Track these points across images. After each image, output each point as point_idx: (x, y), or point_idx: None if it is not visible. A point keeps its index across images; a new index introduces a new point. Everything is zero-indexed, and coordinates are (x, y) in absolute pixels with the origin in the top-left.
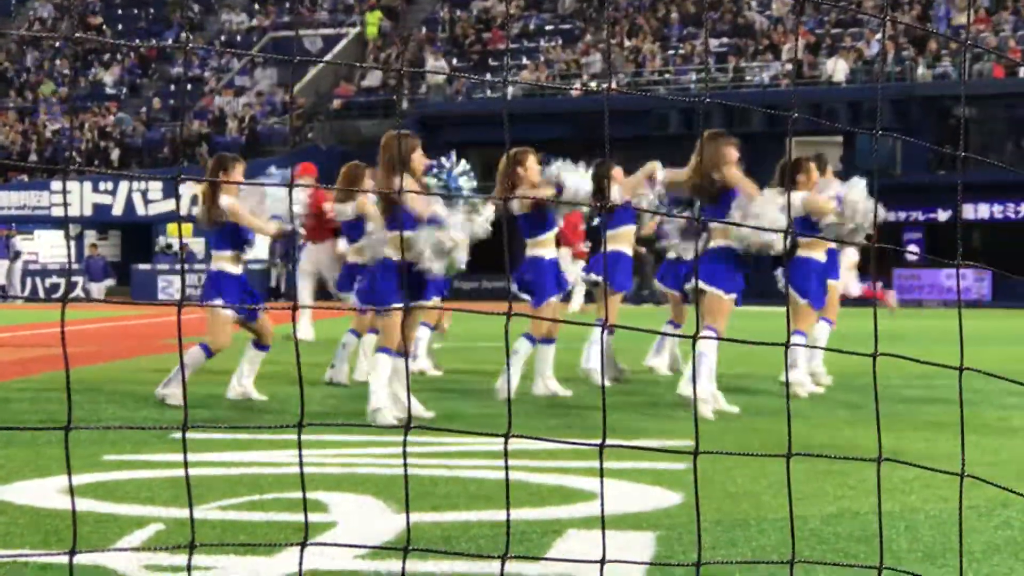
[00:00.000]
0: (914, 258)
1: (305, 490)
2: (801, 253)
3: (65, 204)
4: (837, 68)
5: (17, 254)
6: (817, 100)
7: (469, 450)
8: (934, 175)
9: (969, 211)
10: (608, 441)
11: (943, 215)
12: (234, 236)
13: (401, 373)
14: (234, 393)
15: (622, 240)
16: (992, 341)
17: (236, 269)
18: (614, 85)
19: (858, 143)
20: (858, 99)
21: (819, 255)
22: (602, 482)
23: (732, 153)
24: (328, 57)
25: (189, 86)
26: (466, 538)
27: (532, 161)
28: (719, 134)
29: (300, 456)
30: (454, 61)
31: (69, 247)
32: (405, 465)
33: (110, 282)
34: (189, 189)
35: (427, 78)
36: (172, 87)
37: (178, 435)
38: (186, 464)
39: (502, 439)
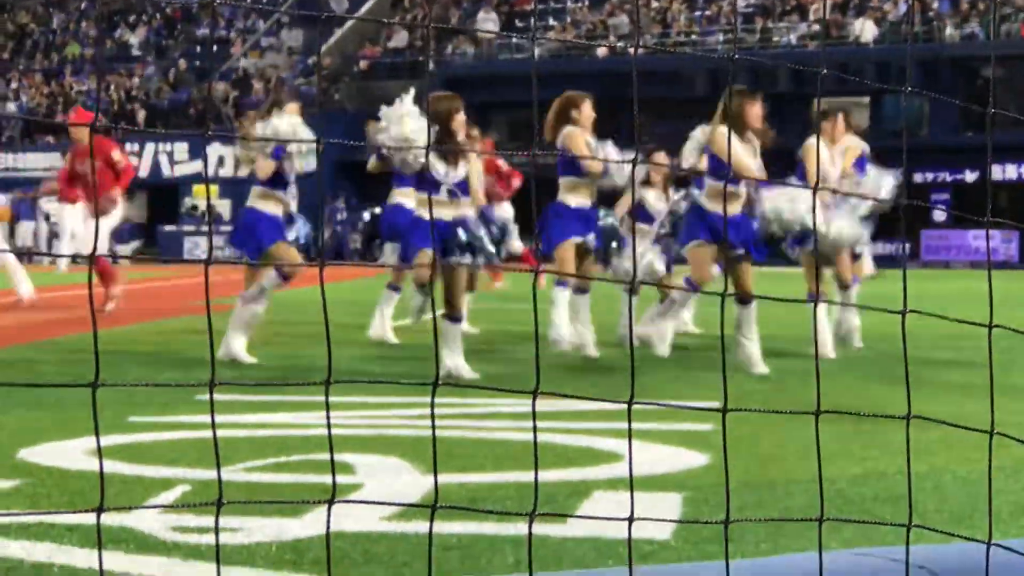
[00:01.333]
0: (942, 219)
1: (333, 451)
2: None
3: (93, 167)
4: (864, 28)
5: (46, 216)
6: (844, 60)
7: (495, 411)
8: (961, 136)
9: (997, 172)
10: (637, 399)
11: (971, 176)
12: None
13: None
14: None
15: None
16: (1020, 303)
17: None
18: (640, 46)
19: (885, 103)
20: (885, 59)
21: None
22: (630, 441)
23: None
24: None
25: (215, 47)
26: (492, 499)
27: (588, 107)
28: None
29: (328, 416)
30: (479, 20)
31: (96, 205)
32: (433, 427)
33: (136, 244)
34: (215, 150)
35: (461, 37)
36: (198, 48)
37: (204, 396)
38: (213, 425)
39: (528, 402)
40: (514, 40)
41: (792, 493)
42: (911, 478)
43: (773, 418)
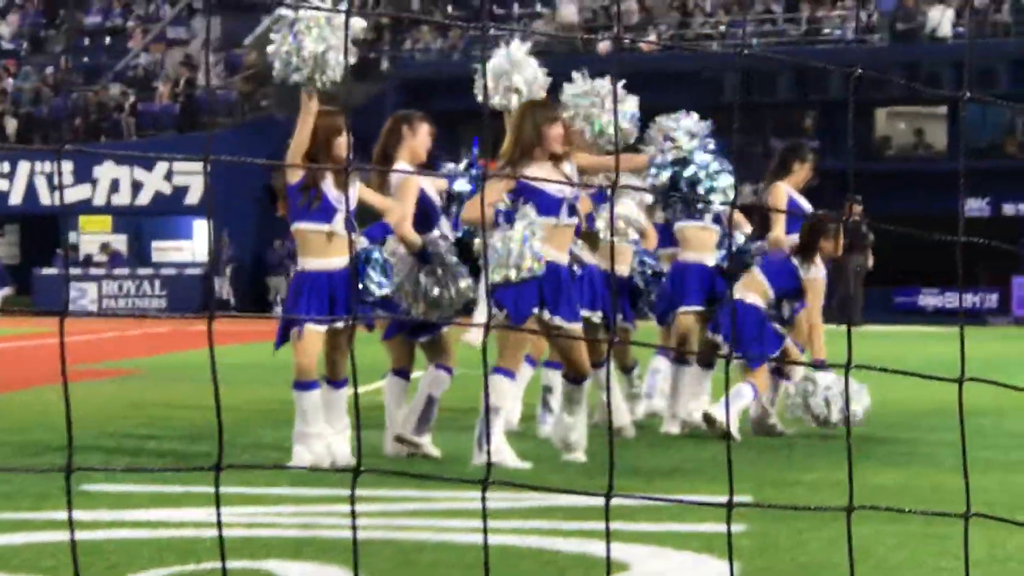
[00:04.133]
0: None
1: (225, 558)
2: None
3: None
4: (943, 20)
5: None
6: (915, 60)
7: (465, 508)
8: None
9: None
10: (623, 491)
11: None
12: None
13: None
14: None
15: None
16: None
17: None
18: (651, 39)
19: (968, 115)
20: (967, 59)
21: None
22: (608, 546)
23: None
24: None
25: (108, 39)
26: None
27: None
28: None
29: (218, 514)
30: (449, 9)
31: None
32: (354, 527)
33: (7, 291)
34: (108, 171)
35: (423, 30)
36: (86, 40)
37: (89, 487)
38: (71, 523)
39: (508, 496)
40: (492, 33)
41: None
42: None
43: (827, 514)
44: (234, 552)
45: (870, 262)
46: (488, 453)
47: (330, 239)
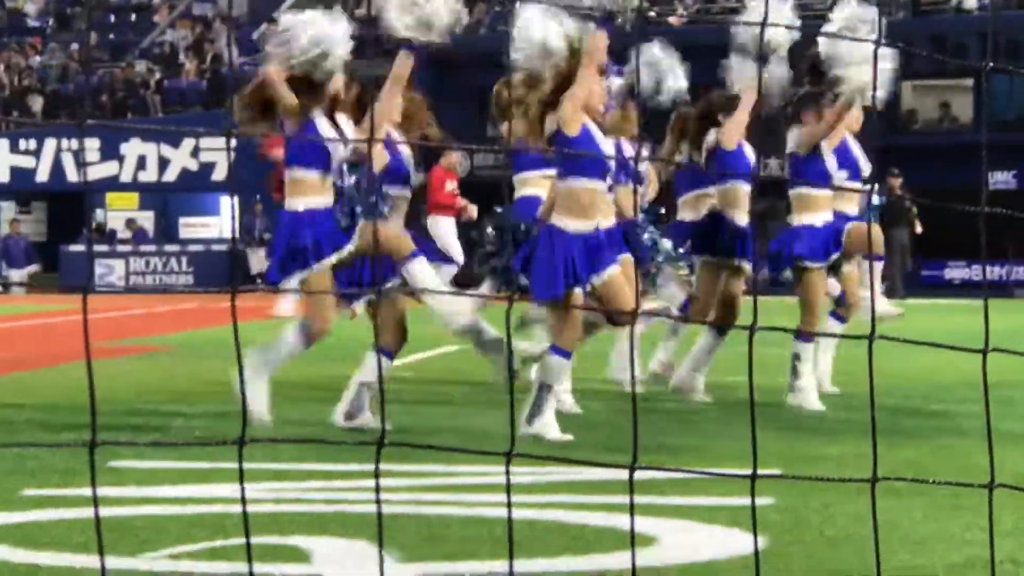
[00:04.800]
0: None
1: (249, 534)
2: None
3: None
4: None
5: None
6: (942, 32)
7: (491, 482)
8: None
9: None
10: (650, 465)
11: None
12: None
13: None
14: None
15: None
16: None
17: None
18: (681, 13)
19: (994, 87)
20: (993, 30)
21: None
22: (632, 518)
23: None
24: None
25: (134, 16)
26: None
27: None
28: None
29: (242, 488)
30: None
31: None
32: (378, 501)
33: (34, 268)
34: (134, 148)
35: None
36: (112, 17)
37: (117, 463)
38: (95, 499)
39: (537, 471)
40: (517, 7)
41: None
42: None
43: (851, 487)
44: (261, 528)
45: (918, 229)
46: (514, 427)
47: (323, 183)
